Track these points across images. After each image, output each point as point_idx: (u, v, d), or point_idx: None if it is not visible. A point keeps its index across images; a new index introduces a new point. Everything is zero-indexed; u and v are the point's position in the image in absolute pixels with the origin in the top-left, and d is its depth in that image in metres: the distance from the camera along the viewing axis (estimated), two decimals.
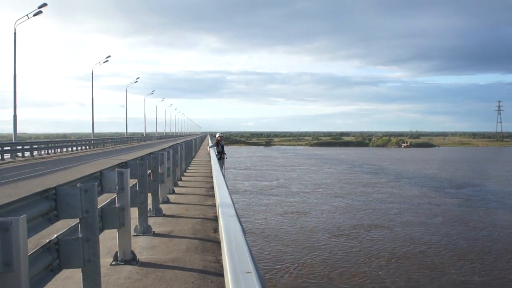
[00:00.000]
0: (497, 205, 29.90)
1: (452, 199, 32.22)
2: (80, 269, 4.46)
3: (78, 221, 4.54)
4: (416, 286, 14.37)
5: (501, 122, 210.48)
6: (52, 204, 4.18)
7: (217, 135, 21.92)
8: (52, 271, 4.11)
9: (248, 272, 1.69)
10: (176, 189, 15.16)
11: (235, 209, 3.70)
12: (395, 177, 48.01)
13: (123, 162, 7.86)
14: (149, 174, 10.02)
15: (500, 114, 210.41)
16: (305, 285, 14.24)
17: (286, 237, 20.45)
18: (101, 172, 6.06)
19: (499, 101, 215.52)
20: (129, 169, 6.66)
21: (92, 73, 59.77)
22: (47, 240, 4.12)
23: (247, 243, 2.38)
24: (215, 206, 8.88)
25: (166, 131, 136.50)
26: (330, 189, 36.86)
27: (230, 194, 4.17)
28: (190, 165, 26.33)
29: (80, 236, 4.43)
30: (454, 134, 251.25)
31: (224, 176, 9.75)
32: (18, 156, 33.44)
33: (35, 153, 36.67)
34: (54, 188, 4.26)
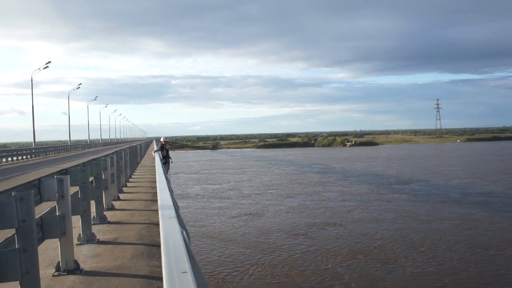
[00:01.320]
0: (443, 198, 30.93)
1: (401, 194, 33.11)
2: (18, 282, 4.29)
3: (15, 231, 4.36)
4: (373, 280, 14.64)
5: (440, 119, 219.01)
6: None
7: (162, 140, 21.68)
8: None
9: (184, 272, 1.67)
10: (121, 196, 14.83)
11: (176, 211, 3.65)
12: (343, 175, 48.89)
13: (64, 169, 7.63)
14: (92, 181, 9.79)
15: (439, 111, 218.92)
16: (267, 286, 14.27)
17: (243, 239, 20.41)
18: (39, 179, 5.85)
19: (437, 99, 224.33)
20: (69, 176, 6.46)
21: (32, 80, 57.76)
22: None
23: (186, 244, 2.34)
24: None
25: (111, 137, 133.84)
26: (282, 190, 37.10)
27: (172, 196, 4.11)
28: (136, 171, 25.90)
29: (17, 247, 4.26)
30: (396, 132, 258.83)
31: (169, 180, 9.63)
32: None
33: None
34: None
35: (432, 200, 30.30)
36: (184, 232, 4.68)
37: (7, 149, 62.23)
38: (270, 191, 36.67)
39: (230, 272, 15.45)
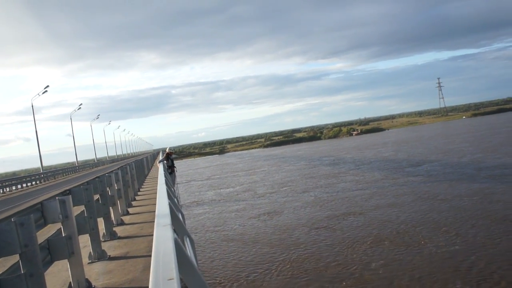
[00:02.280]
0: (458, 176, 30.62)
1: (415, 177, 32.85)
2: None
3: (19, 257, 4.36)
4: (400, 265, 14.50)
5: (443, 98, 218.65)
6: None
7: (167, 150, 21.73)
8: None
9: (170, 279, 1.65)
10: (130, 210, 14.83)
11: (175, 219, 3.63)
12: (355, 165, 48.69)
13: (66, 190, 7.64)
14: (98, 199, 9.81)
15: (441, 90, 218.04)
16: (297, 281, 14.21)
17: (266, 238, 20.24)
18: (41, 203, 5.85)
19: (438, 78, 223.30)
20: (71, 196, 6.46)
21: (32, 106, 57.97)
22: None
23: (180, 251, 2.33)
24: None
25: (118, 153, 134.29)
26: (296, 186, 36.93)
27: (174, 205, 4.12)
28: (144, 184, 25.92)
29: (22, 272, 4.26)
30: (401, 115, 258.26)
31: (174, 189, 9.62)
32: None
33: None
34: None
35: (447, 179, 30.03)
36: (188, 239, 4.66)
37: (16, 176, 62.53)
38: (284, 188, 36.55)
39: (259, 272, 15.36)
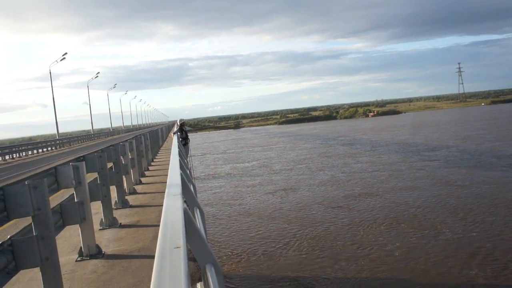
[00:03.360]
0: (476, 163, 30.13)
1: (432, 161, 32.48)
2: (39, 269, 4.37)
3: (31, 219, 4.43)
4: (415, 248, 14.47)
5: (462, 83, 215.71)
6: (0, 205, 4.07)
7: (178, 122, 21.69)
8: (8, 273, 4.01)
9: (177, 247, 1.66)
10: (143, 179, 14.98)
11: (186, 190, 3.65)
12: (371, 146, 48.39)
13: (81, 156, 7.72)
14: (112, 167, 9.90)
15: (461, 75, 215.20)
16: (314, 258, 14.29)
17: (283, 214, 20.13)
18: (55, 168, 5.92)
19: (459, 63, 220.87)
20: (84, 162, 6.53)
21: (50, 73, 58.41)
22: (0, 242, 4.01)
23: (189, 220, 2.34)
24: None
25: (133, 123, 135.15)
26: (312, 164, 36.77)
27: (183, 175, 4.11)
28: (158, 154, 26.12)
29: (34, 234, 4.33)
30: (418, 99, 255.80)
31: (187, 161, 9.65)
32: None
33: None
34: (1, 188, 4.14)
35: (465, 165, 29.61)
36: (198, 211, 4.68)
37: (32, 141, 63.26)
38: (300, 166, 36.47)
39: (276, 247, 15.35)
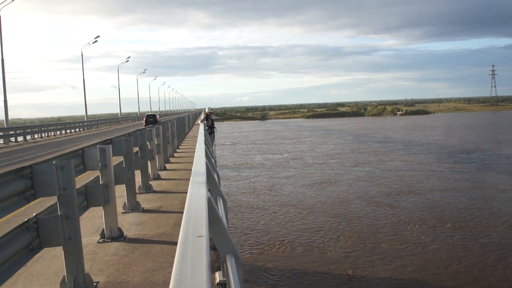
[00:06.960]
0: None
1: (469, 163, 31.63)
2: (61, 247, 4.44)
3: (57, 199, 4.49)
4: (459, 249, 14.26)
5: (495, 87, 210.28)
6: (28, 182, 4.13)
7: (206, 110, 21.77)
8: (32, 250, 4.08)
9: (199, 236, 1.66)
10: (168, 166, 15.10)
11: (211, 179, 3.66)
12: (404, 145, 47.64)
13: (108, 139, 7.80)
14: (137, 152, 9.98)
15: (494, 78, 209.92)
16: (358, 253, 14.20)
17: (322, 208, 19.85)
18: (82, 149, 6.00)
19: (493, 66, 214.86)
20: (111, 145, 6.59)
21: (82, 55, 59.28)
22: (26, 219, 4.09)
23: (212, 209, 2.34)
24: None
25: (161, 109, 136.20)
26: (345, 159, 36.29)
27: (208, 164, 4.12)
28: (183, 142, 26.30)
29: (59, 213, 4.39)
30: (448, 100, 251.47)
31: (212, 150, 9.67)
32: (11, 141, 33.27)
33: (28, 137, 36.57)
34: (30, 166, 4.21)
35: (504, 169, 28.84)
36: (221, 200, 4.69)
37: (61, 122, 64.30)
38: (333, 160, 36.10)
39: (320, 240, 15.29)
